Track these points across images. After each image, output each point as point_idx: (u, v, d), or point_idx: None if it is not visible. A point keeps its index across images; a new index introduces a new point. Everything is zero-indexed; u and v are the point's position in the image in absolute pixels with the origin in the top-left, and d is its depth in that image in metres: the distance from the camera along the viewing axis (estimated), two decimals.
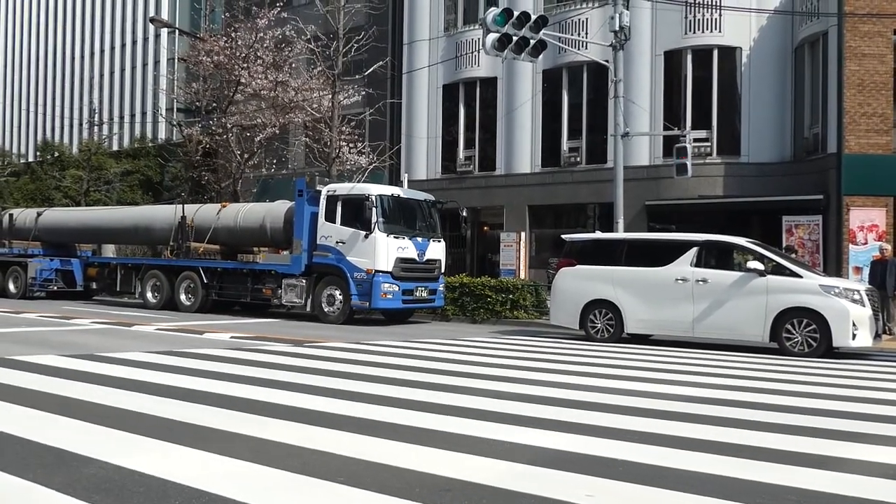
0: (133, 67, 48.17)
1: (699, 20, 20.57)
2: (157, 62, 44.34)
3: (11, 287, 20.67)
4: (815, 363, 9.57)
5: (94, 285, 20.19)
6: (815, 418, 5.60)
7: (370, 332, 12.89)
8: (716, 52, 20.60)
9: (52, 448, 4.15)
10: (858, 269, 17.42)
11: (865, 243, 17.70)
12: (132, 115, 47.39)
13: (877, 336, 10.73)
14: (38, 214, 21.54)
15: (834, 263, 17.90)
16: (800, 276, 10.59)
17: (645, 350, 10.81)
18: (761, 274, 10.64)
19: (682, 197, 20.37)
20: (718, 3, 20.28)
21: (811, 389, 7.16)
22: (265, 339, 10.98)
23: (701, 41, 20.62)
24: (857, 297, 10.37)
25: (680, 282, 11.23)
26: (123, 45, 48.97)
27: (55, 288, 20.44)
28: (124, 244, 24.39)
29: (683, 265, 11.29)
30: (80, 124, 45.48)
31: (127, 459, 3.91)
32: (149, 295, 17.66)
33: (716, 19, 20.39)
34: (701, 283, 11.07)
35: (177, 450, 4.18)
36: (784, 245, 17.20)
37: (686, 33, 20.75)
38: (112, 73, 49.58)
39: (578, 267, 12.37)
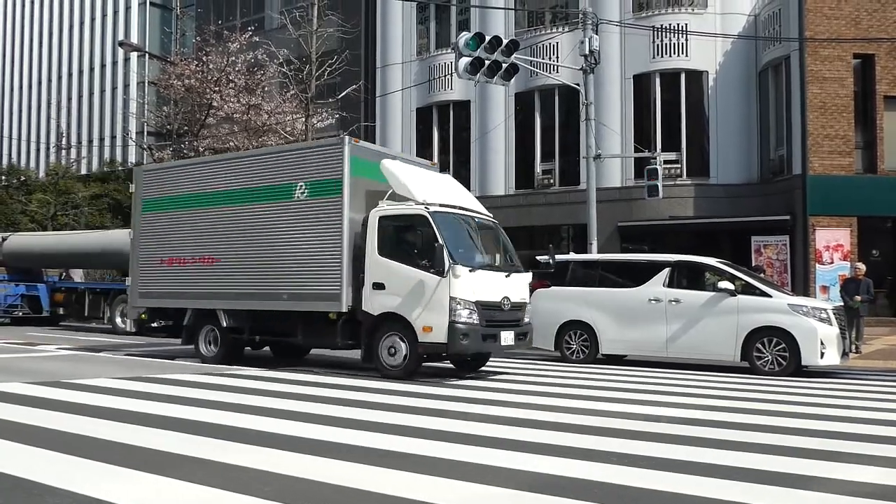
0: (102, 91, 47.73)
1: (666, 45, 21.01)
2: (126, 86, 44.02)
3: None
4: (786, 382, 9.67)
5: (61, 311, 19.81)
6: (790, 437, 5.64)
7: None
8: (683, 76, 21.02)
9: (13, 477, 4.01)
10: (825, 289, 17.75)
11: (831, 263, 18.06)
12: (101, 139, 46.87)
13: (844, 354, 10.90)
14: (3, 239, 21.12)
15: (801, 283, 18.22)
16: (769, 296, 10.74)
17: (619, 371, 10.84)
18: (732, 294, 10.78)
19: (653, 218, 20.63)
20: (684, 29, 20.75)
21: (784, 408, 7.22)
22: (240, 364, 10.81)
23: (668, 65, 21.04)
24: (824, 315, 10.53)
25: (653, 302, 11.32)
26: (92, 69, 48.55)
27: (20, 314, 20.01)
28: (93, 269, 23.97)
29: (656, 286, 11.39)
30: (48, 148, 44.87)
31: (93, 488, 3.80)
32: (118, 320, 17.35)
33: (682, 44, 20.84)
34: (673, 303, 11.17)
35: (145, 478, 4.08)
36: (753, 265, 17.47)
37: (654, 57, 21.16)
38: (80, 96, 49.06)
39: (553, 288, 12.41)
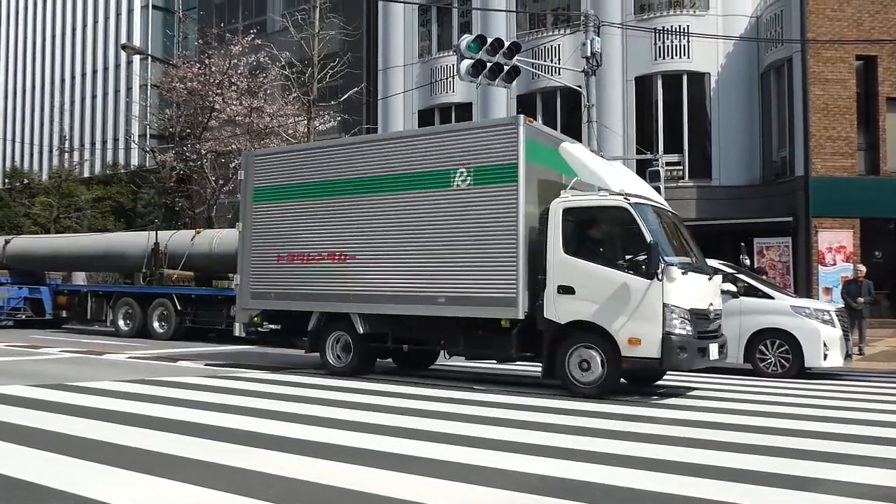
0: (105, 94, 47.80)
1: (668, 47, 21.01)
2: (129, 89, 44.07)
3: None
4: (789, 384, 9.65)
5: (63, 314, 19.80)
6: (792, 439, 5.63)
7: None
8: (685, 78, 21.02)
9: (15, 480, 4.02)
10: (828, 290, 17.72)
11: (834, 264, 18.03)
12: (104, 142, 46.93)
13: (847, 356, 10.88)
14: (6, 242, 21.15)
15: (804, 284, 18.19)
16: (772, 298, 10.72)
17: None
18: (734, 295, 10.75)
19: None
20: (686, 30, 20.75)
21: (787, 410, 7.21)
22: (241, 366, 10.82)
23: (670, 67, 21.04)
24: (827, 317, 10.51)
25: None
26: (95, 72, 48.62)
27: (23, 317, 20.01)
28: (95, 271, 24.01)
29: None
30: (51, 151, 44.98)
31: (95, 490, 3.81)
32: (121, 323, 17.36)
33: (684, 46, 20.84)
34: None
35: (146, 480, 4.08)
36: (756, 266, 17.46)
37: (656, 59, 21.16)
38: (83, 99, 49.14)
39: None
